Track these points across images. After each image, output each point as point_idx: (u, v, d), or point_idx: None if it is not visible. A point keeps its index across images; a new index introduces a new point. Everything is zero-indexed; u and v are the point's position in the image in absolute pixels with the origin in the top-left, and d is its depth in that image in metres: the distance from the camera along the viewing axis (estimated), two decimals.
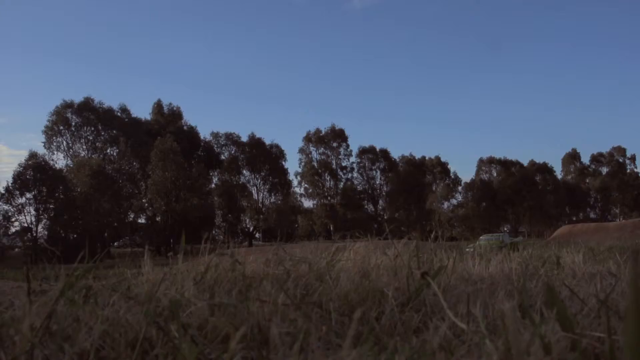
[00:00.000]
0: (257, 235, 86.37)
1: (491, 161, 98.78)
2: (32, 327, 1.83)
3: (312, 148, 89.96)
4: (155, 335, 1.96)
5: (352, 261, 3.59)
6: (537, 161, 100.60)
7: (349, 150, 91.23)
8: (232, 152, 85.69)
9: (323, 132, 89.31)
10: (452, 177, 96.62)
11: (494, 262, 4.26)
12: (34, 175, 64.68)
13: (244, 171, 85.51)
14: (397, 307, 2.38)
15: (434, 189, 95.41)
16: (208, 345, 1.97)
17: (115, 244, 73.16)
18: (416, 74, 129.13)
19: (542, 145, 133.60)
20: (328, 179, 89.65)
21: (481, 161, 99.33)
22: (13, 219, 64.38)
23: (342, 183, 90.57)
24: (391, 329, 2.27)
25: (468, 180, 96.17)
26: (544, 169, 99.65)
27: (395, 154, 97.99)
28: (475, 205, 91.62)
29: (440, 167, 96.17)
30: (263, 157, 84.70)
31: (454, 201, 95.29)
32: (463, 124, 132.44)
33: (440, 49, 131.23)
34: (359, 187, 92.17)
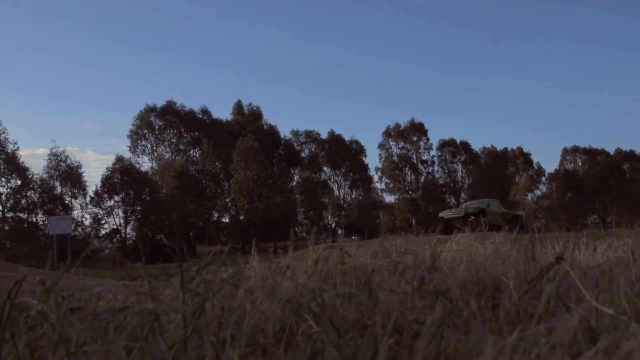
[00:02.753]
0: (339, 231, 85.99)
1: (575, 150, 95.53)
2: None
3: (391, 143, 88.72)
4: (295, 324, 2.04)
5: (454, 252, 3.77)
6: (624, 149, 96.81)
7: (429, 143, 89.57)
8: (312, 149, 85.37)
9: (402, 127, 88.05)
10: (535, 167, 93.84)
11: (600, 250, 4.29)
12: (121, 178, 65.76)
13: (325, 168, 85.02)
14: (517, 295, 2.37)
15: (517, 180, 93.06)
16: (349, 333, 2.01)
17: (199, 243, 73.81)
18: (494, 63, 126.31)
19: (629, 132, 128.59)
20: (409, 173, 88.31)
21: (565, 150, 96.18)
22: (103, 222, 65.78)
23: (423, 177, 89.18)
24: (514, 317, 2.24)
25: (552, 171, 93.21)
26: (632, 157, 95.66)
27: (476, 145, 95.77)
28: (560, 196, 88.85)
29: (522, 158, 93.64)
30: (343, 153, 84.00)
31: (537, 192, 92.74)
32: (545, 113, 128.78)
33: (517, 35, 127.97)
34: (441, 181, 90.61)
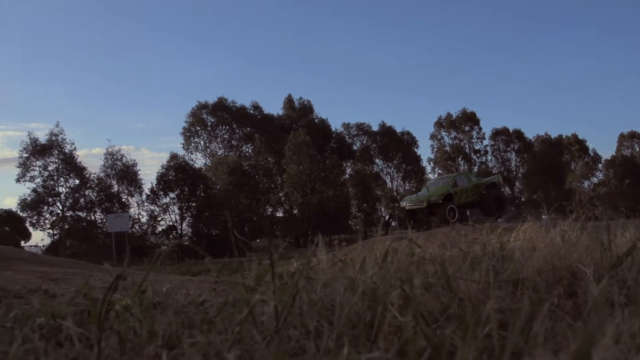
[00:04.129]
0: (393, 223, 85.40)
1: (633, 135, 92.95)
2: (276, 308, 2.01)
3: (443, 133, 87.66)
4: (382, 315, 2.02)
5: (522, 240, 3.69)
6: None
7: (481, 133, 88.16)
8: (364, 142, 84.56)
9: (454, 117, 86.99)
10: (591, 154, 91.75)
11: None
12: (176, 175, 66.25)
13: (377, 160, 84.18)
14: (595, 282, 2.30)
15: (572, 167, 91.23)
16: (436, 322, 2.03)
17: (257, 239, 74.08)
18: (545, 49, 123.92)
19: None
20: (462, 163, 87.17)
21: (622, 136, 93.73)
22: (159, 218, 66.46)
23: (476, 167, 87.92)
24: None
25: (608, 157, 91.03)
26: None
27: (530, 134, 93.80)
28: (617, 183, 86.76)
29: (577, 145, 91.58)
30: (395, 145, 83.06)
31: (594, 179, 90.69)
32: (600, 98, 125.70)
33: (568, 22, 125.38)
34: (494, 170, 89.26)
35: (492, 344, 1.64)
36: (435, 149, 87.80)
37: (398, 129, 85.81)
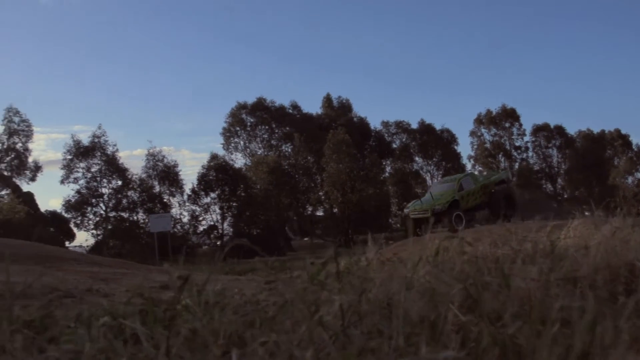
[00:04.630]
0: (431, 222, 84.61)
1: None
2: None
3: (483, 130, 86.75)
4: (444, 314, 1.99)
5: (572, 238, 3.75)
6: None
7: (522, 129, 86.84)
8: (403, 139, 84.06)
9: (494, 113, 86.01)
10: (635, 149, 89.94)
11: None
12: (216, 175, 66.54)
13: (416, 158, 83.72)
14: None
15: (615, 163, 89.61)
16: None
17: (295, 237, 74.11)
18: (584, 44, 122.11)
19: None
20: (502, 160, 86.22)
21: None
22: (200, 218, 66.81)
23: (517, 163, 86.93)
24: None
25: None
26: None
27: (572, 129, 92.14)
28: None
29: (621, 140, 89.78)
30: (434, 142, 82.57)
31: (638, 175, 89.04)
32: None
33: (607, 15, 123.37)
34: (536, 167, 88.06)
35: (559, 342, 1.63)
36: (475, 146, 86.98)
37: (437, 127, 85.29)
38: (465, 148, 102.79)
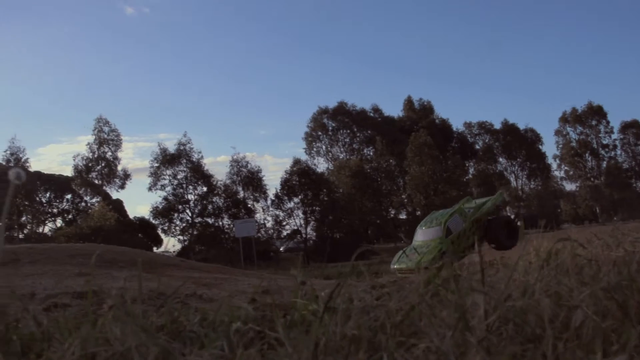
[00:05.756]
0: (518, 223, 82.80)
1: None
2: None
3: (569, 128, 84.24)
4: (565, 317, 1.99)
5: None
6: None
7: (609, 127, 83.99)
8: (486, 140, 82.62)
9: (579, 111, 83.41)
10: None
11: None
12: (299, 180, 66.64)
13: (500, 159, 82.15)
14: None
15: None
16: None
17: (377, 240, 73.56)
18: None
19: None
20: (589, 159, 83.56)
21: None
22: (284, 223, 66.98)
23: (604, 162, 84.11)
24: None
25: None
26: None
27: None
28: None
29: None
30: (518, 142, 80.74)
31: None
32: None
33: None
34: (625, 165, 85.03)
35: None
36: (561, 145, 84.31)
37: (521, 126, 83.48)
38: (550, 147, 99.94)
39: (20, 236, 62.87)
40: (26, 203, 65.23)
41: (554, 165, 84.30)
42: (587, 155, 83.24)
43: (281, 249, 66.15)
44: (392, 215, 74.96)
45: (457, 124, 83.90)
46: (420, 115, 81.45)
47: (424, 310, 2.10)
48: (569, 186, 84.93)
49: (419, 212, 72.07)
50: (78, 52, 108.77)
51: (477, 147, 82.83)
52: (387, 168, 75.87)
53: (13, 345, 2.08)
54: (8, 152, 64.73)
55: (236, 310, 2.49)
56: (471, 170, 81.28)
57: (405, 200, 74.20)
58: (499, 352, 1.80)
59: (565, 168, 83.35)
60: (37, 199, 66.68)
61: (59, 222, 68.11)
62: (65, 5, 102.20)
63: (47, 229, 67.96)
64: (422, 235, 27.71)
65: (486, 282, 2.32)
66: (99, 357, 1.85)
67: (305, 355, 1.82)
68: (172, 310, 2.39)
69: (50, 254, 9.24)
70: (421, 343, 1.85)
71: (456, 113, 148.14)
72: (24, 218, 66.59)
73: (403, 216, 76.39)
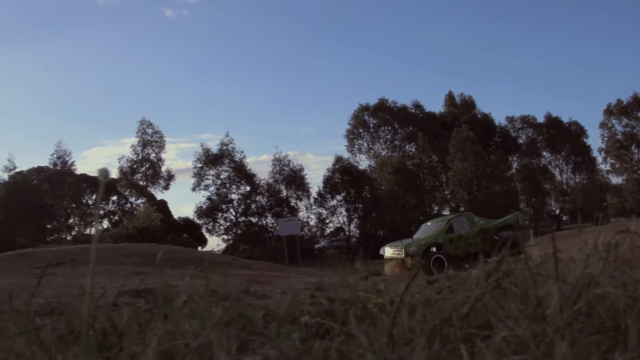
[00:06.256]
0: (563, 217, 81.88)
1: None
2: None
3: (614, 121, 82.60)
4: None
5: None
6: None
7: None
8: (530, 134, 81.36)
9: (625, 103, 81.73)
10: None
11: None
12: (342, 178, 66.66)
13: (544, 153, 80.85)
14: None
15: None
16: None
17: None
18: None
19: None
20: (635, 151, 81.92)
21: None
22: (327, 221, 67.04)
23: None
24: None
25: None
26: None
27: None
28: None
29: None
30: (562, 136, 79.28)
31: None
32: None
33: None
34: None
35: None
36: (606, 138, 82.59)
37: (565, 119, 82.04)
38: (595, 141, 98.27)
39: (68, 238, 63.86)
40: (73, 205, 66.26)
41: (599, 159, 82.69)
42: (633, 147, 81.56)
43: (323, 245, 66.12)
44: (435, 212, 74.40)
45: (499, 119, 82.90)
46: (461, 110, 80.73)
47: (490, 302, 2.07)
48: (615, 179, 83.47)
49: (462, 208, 71.58)
50: (120, 56, 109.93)
51: (520, 141, 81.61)
52: (430, 164, 75.50)
53: (90, 341, 2.07)
54: (55, 155, 65.49)
55: (298, 305, 2.47)
56: (514, 165, 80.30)
57: (449, 196, 73.70)
58: (578, 342, 1.76)
59: (611, 161, 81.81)
60: (84, 201, 67.60)
61: (105, 224, 69.09)
62: (107, 11, 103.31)
63: (93, 230, 69.00)
64: (425, 229, 27.91)
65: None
66: (178, 350, 1.86)
67: (380, 346, 1.79)
68: (237, 306, 2.37)
69: (105, 254, 9.39)
70: (494, 333, 1.83)
71: (498, 107, 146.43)
72: (71, 220, 67.70)
73: (446, 212, 75.82)
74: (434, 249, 25.15)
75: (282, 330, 2.10)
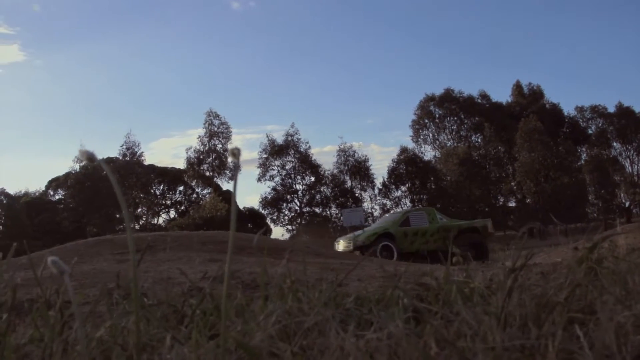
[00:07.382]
0: (634, 210, 79.73)
1: None
2: None
3: None
4: None
5: None
6: None
7: None
8: (600, 125, 79.44)
9: None
10: None
11: None
12: (406, 168, 66.35)
13: (614, 144, 78.84)
14: None
15: None
16: None
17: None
18: None
19: None
20: None
21: None
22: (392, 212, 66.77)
23: None
24: None
25: None
26: None
27: None
28: None
29: None
30: (634, 126, 76.98)
31: None
32: None
33: None
34: None
35: None
36: None
37: (637, 109, 79.50)
38: None
39: (137, 227, 65.05)
40: (142, 195, 67.42)
41: None
42: None
43: None
44: (501, 203, 73.46)
45: (568, 109, 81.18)
46: (529, 100, 79.17)
47: (590, 287, 2.03)
48: None
49: (528, 200, 70.44)
50: (186, 48, 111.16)
51: (590, 131, 79.78)
52: (496, 155, 74.52)
53: (191, 320, 2.13)
54: (124, 146, 66.66)
55: (387, 290, 2.42)
56: (584, 156, 78.50)
57: (515, 187, 72.49)
58: None
59: None
60: (152, 191, 68.74)
61: (172, 214, 70.12)
62: (174, 5, 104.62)
63: (161, 219, 70.20)
64: (380, 221, 27.37)
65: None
66: (293, 328, 1.85)
67: (489, 325, 1.73)
68: (332, 289, 2.36)
69: (182, 241, 9.47)
70: (596, 316, 1.74)
71: (567, 97, 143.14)
72: (139, 210, 68.93)
73: (512, 204, 74.79)
74: (384, 240, 23.78)
75: (384, 313, 2.06)
